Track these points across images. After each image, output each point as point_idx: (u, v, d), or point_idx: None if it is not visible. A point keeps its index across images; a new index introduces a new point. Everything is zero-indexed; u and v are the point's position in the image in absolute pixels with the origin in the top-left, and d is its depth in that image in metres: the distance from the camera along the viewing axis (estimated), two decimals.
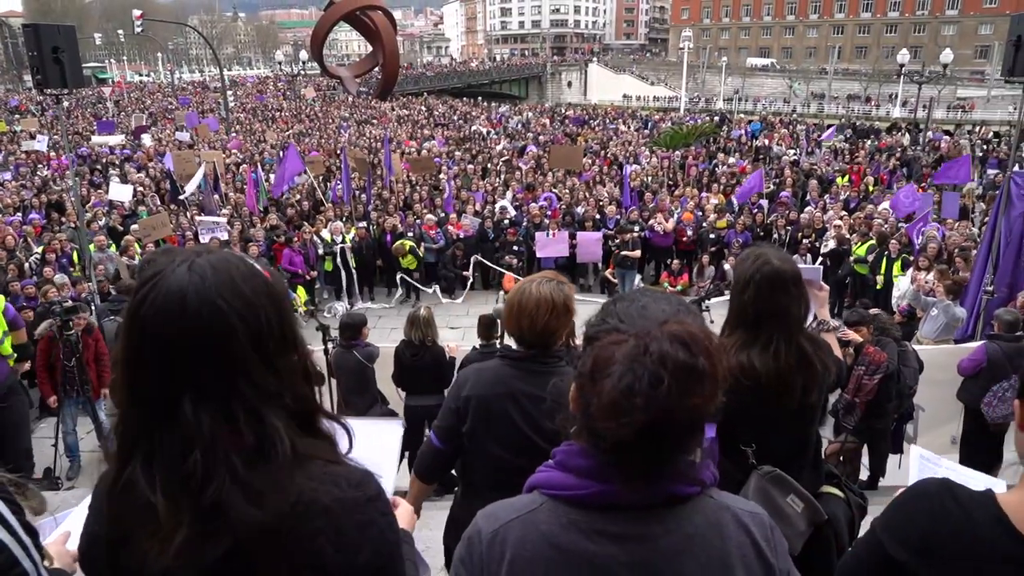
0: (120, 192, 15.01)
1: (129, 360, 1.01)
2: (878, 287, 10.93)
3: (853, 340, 5.28)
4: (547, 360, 2.30)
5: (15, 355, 6.59)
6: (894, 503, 1.44)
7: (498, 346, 5.73)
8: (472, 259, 13.13)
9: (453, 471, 2.70)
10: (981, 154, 24.83)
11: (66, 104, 9.47)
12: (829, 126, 31.91)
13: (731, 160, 21.43)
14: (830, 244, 11.97)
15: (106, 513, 1.05)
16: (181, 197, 14.60)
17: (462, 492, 2.62)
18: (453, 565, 1.21)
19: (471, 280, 13.23)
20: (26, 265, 10.27)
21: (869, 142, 26.10)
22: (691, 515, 1.13)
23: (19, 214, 14.21)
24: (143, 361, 1.00)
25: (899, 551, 1.33)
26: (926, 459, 2.35)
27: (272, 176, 16.89)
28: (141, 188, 16.69)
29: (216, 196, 14.87)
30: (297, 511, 1.01)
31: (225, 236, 11.98)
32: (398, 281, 12.93)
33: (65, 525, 1.75)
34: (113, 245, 11.57)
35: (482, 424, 2.34)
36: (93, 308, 8.16)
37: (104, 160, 22.03)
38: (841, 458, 5.46)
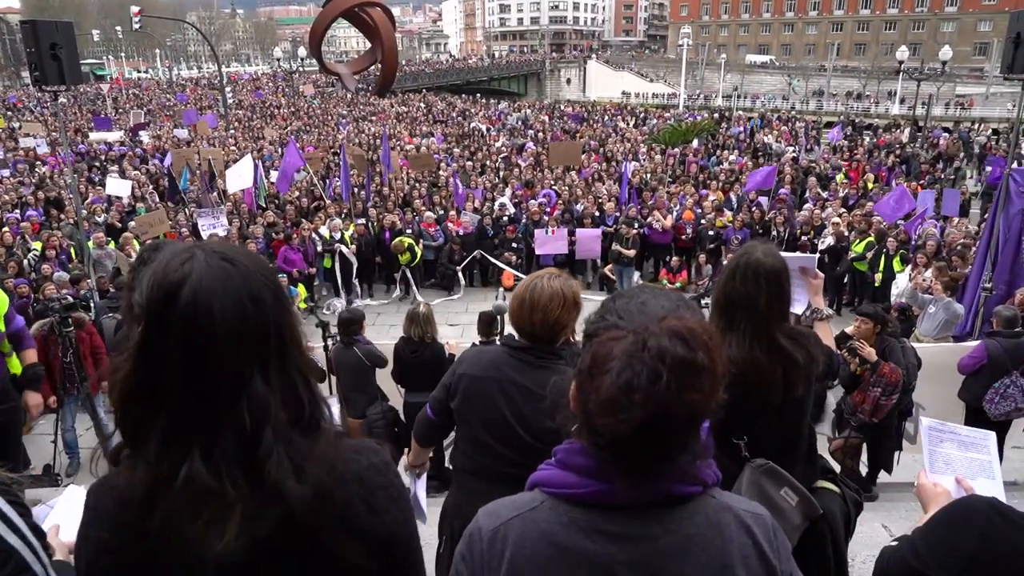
0: (118, 187, 14.98)
1: (189, 366, 0.99)
2: (876, 284, 10.96)
3: (867, 355, 5.25)
4: (546, 355, 2.31)
5: (11, 355, 6.06)
6: (936, 522, 1.41)
7: (498, 343, 5.72)
8: (475, 253, 13.13)
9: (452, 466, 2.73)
10: (979, 151, 24.89)
11: (63, 101, 9.50)
12: (830, 124, 31.89)
13: (732, 157, 21.43)
14: (828, 241, 11.99)
15: (132, 519, 1.03)
16: (229, 191, 14.66)
17: (454, 479, 2.68)
18: (454, 561, 1.22)
19: (463, 281, 13.20)
20: (24, 262, 10.26)
21: (868, 139, 26.13)
22: (692, 515, 1.13)
23: (17, 211, 14.20)
24: (211, 360, 1.00)
25: (940, 574, 1.30)
26: (934, 428, 2.34)
27: (272, 172, 16.89)
28: (139, 185, 16.66)
29: (213, 194, 14.86)
30: (335, 479, 1.07)
31: (223, 231, 11.97)
32: (397, 278, 12.92)
33: (51, 519, 1.75)
34: (112, 242, 11.57)
35: (468, 403, 2.40)
36: (92, 304, 8.15)
37: (103, 157, 22.00)
38: (844, 454, 5.47)
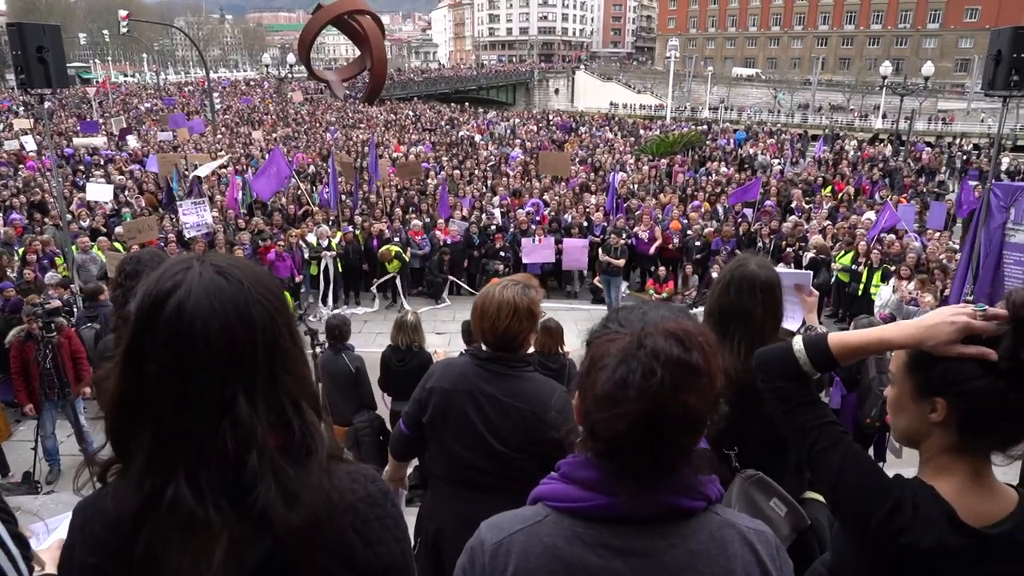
0: (99, 192, 14.75)
1: (170, 380, 0.96)
2: (859, 294, 11.08)
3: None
4: (514, 364, 2.34)
5: None
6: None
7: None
8: (450, 278, 13.18)
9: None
10: (960, 166, 25.28)
11: (48, 105, 9.32)
12: (815, 137, 32.24)
13: (723, 169, 21.60)
14: (810, 254, 12.10)
15: (120, 545, 0.99)
16: (199, 173, 14.75)
17: (428, 486, 2.69)
18: (455, 574, 1.21)
19: (446, 288, 13.19)
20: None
21: (852, 152, 26.44)
22: (695, 531, 1.13)
23: (0, 214, 14.02)
24: (192, 376, 0.96)
25: None
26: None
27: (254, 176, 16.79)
28: (123, 190, 16.51)
29: (202, 199, 14.74)
30: (328, 509, 1.03)
31: (206, 229, 11.91)
32: (375, 285, 12.86)
33: (59, 531, 1.72)
34: (96, 246, 11.44)
35: (440, 417, 2.41)
36: (75, 309, 8.06)
37: (87, 161, 21.78)
38: None
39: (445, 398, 2.38)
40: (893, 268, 10.50)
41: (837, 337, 1.43)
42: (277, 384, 1.02)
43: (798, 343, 1.46)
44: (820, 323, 3.04)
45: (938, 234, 12.98)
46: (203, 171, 14.61)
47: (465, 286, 13.24)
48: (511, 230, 13.76)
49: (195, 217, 12.04)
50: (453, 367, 2.46)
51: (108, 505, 1.03)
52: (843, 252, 11.76)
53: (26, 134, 24.95)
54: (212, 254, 1.06)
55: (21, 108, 38.67)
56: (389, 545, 1.11)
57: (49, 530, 1.76)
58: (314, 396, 1.10)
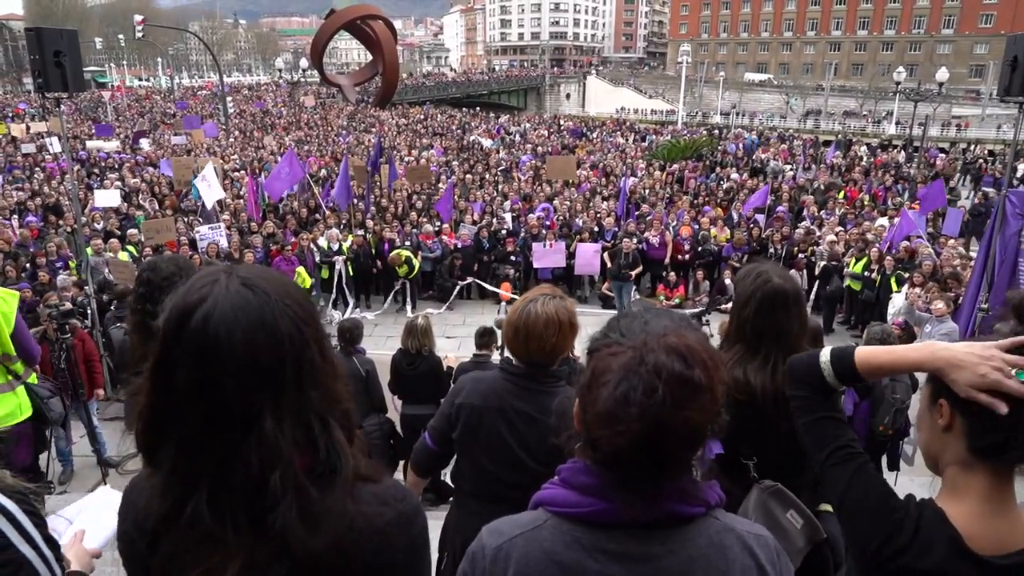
0: (107, 198, 14.80)
1: (197, 392, 0.96)
2: (875, 300, 10.99)
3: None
4: (545, 380, 2.30)
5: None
6: None
7: (495, 355, 5.73)
8: (468, 279, 13.21)
9: (451, 483, 2.72)
10: (976, 172, 25.07)
11: (63, 108, 9.35)
12: (827, 143, 32.09)
13: (734, 175, 21.52)
14: (823, 260, 12.01)
15: (142, 543, 1.03)
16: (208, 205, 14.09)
17: (454, 498, 2.66)
18: None
19: (455, 293, 13.21)
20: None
21: (865, 159, 26.29)
22: (695, 536, 1.13)
23: (15, 217, 14.17)
24: (218, 388, 0.95)
25: None
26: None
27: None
28: (139, 193, 16.64)
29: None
30: (353, 534, 1.01)
31: (224, 242, 11.94)
32: (396, 289, 12.89)
33: (77, 524, 1.73)
34: (107, 248, 11.53)
35: (471, 433, 2.37)
36: (89, 311, 8.12)
37: (102, 164, 22.00)
38: None
39: (475, 414, 2.35)
40: (907, 275, 10.43)
41: (864, 354, 1.43)
42: (305, 398, 1.01)
43: (825, 355, 1.47)
44: (833, 331, 3.03)
45: (952, 241, 12.87)
46: (209, 192, 13.52)
47: (487, 285, 13.23)
48: (522, 234, 13.77)
49: (209, 232, 12.09)
50: (482, 382, 2.42)
51: (140, 502, 1.06)
52: (855, 260, 11.68)
53: (51, 135, 25.26)
54: (240, 266, 1.06)
55: (33, 110, 39.12)
56: (419, 569, 1.13)
57: (69, 521, 1.77)
58: (345, 414, 1.07)
